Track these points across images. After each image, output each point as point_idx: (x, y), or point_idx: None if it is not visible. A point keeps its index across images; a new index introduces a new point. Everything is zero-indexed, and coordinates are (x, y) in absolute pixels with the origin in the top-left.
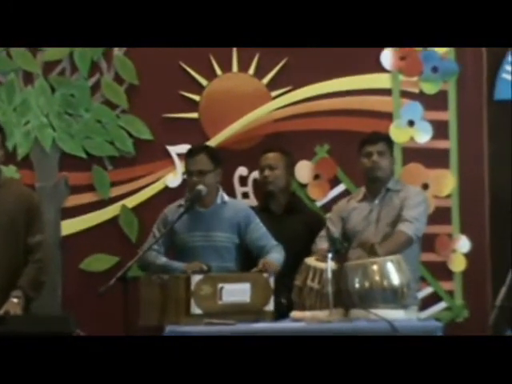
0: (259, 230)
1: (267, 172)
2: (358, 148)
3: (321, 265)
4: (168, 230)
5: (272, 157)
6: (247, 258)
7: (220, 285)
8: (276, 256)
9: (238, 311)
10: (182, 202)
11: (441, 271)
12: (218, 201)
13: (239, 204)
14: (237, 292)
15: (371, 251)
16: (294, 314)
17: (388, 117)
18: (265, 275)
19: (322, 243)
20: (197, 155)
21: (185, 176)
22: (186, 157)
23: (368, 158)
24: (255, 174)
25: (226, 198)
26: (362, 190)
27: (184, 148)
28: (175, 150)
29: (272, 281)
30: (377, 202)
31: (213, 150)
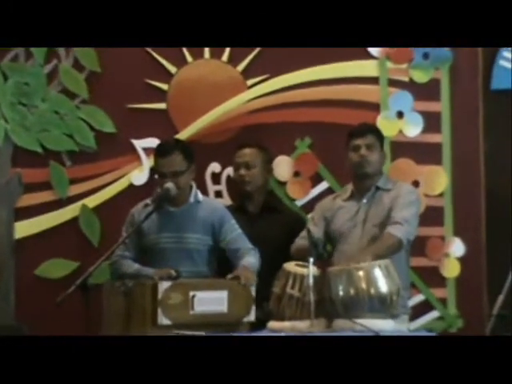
0: (233, 232)
1: (243, 171)
2: (346, 141)
3: (301, 270)
4: (134, 231)
5: (249, 153)
6: (222, 263)
7: (192, 293)
8: (251, 261)
9: (213, 322)
10: (148, 201)
11: (433, 277)
12: (191, 200)
13: (214, 204)
14: (212, 301)
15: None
16: (272, 324)
17: (375, 108)
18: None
19: (301, 243)
20: (169, 155)
21: (156, 176)
22: (157, 156)
23: (355, 152)
24: (229, 171)
25: (201, 196)
26: (349, 187)
27: (151, 142)
28: (141, 144)
29: (253, 288)
30: (365, 201)
31: (186, 146)
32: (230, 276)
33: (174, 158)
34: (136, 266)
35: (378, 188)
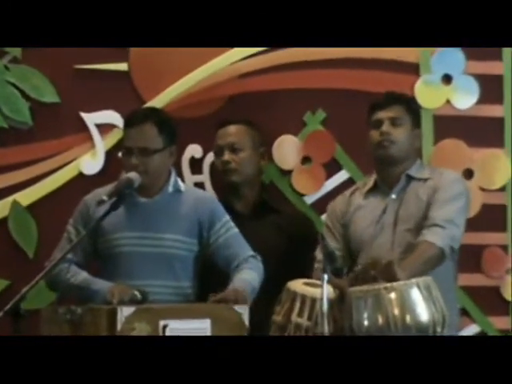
0: (228, 232)
1: (228, 155)
2: (367, 116)
3: (312, 292)
4: (88, 234)
5: (234, 132)
6: (213, 276)
7: (163, 322)
8: (251, 277)
9: None
10: (104, 196)
11: (491, 301)
12: (170, 189)
13: (202, 194)
14: (190, 332)
15: (387, 273)
16: None
17: (413, 69)
18: (236, 308)
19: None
20: (140, 124)
21: (119, 154)
22: (125, 127)
23: (377, 129)
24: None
25: (182, 185)
26: (373, 178)
27: (107, 116)
28: (94, 118)
29: (246, 315)
30: (394, 196)
31: (164, 119)
32: (213, 299)
33: (145, 130)
34: (83, 275)
35: (409, 177)
